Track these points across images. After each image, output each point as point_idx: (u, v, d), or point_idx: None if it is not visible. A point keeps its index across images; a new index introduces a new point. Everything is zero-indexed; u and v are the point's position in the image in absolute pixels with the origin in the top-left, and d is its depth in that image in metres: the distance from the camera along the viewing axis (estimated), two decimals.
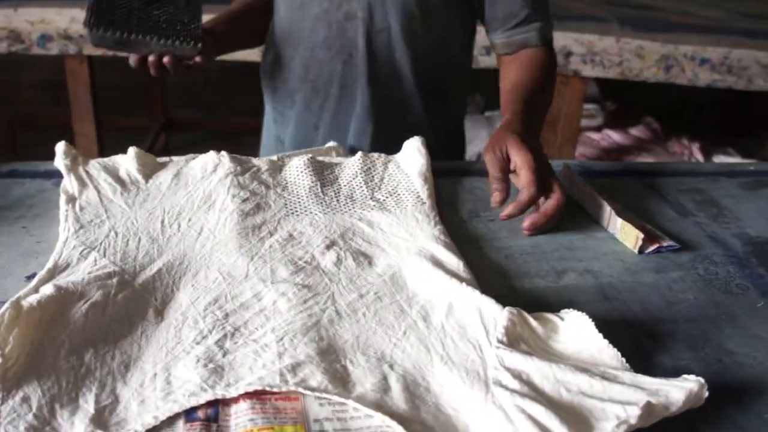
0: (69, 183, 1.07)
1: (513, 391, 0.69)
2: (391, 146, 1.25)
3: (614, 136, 3.29)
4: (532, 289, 0.92)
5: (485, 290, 0.83)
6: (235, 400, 0.68)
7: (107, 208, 1.02)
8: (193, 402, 0.66)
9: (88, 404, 0.67)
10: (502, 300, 0.81)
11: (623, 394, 0.68)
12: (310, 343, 0.75)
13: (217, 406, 0.67)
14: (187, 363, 0.72)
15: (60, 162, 1.12)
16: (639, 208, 1.15)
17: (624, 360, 0.74)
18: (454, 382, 0.71)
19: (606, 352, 0.75)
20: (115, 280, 0.84)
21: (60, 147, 1.15)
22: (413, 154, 1.16)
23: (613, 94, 3.48)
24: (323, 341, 0.76)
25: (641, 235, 1.01)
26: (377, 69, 1.46)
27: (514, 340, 0.76)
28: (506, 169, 1.11)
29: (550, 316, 0.80)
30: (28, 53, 2.76)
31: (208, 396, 0.67)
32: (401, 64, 1.46)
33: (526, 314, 0.79)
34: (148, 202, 1.05)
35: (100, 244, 0.93)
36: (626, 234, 1.03)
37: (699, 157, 3.14)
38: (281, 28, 1.50)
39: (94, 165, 1.13)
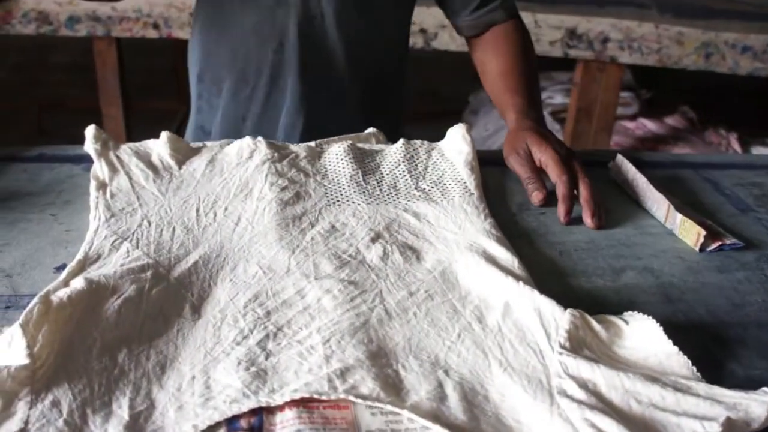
0: (99, 168, 1.03)
1: (580, 402, 0.63)
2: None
3: (649, 125, 3.22)
4: (590, 288, 0.86)
5: (540, 289, 0.78)
6: (281, 407, 0.63)
7: (139, 195, 0.97)
8: (235, 410, 0.61)
9: (122, 409, 0.62)
10: (559, 300, 0.75)
11: (699, 408, 0.63)
12: (359, 346, 0.70)
13: (261, 414, 0.62)
14: (227, 365, 0.67)
15: (90, 146, 1.07)
16: (696, 203, 1.09)
17: (695, 369, 0.69)
18: (516, 391, 0.66)
19: (675, 360, 0.70)
20: (149, 273, 0.79)
21: (90, 130, 1.11)
22: (458, 141, 1.11)
23: (648, 82, 3.41)
24: (373, 343, 0.71)
25: (703, 232, 0.95)
26: (309, 58, 1.36)
27: (577, 345, 0.71)
28: (535, 168, 1.10)
29: (614, 319, 0.75)
30: (56, 35, 2.72)
31: (251, 403, 0.62)
32: (335, 53, 1.37)
33: (588, 317, 0.73)
34: (182, 189, 1.00)
35: (133, 234, 0.88)
36: (686, 230, 0.97)
37: (737, 147, 3.07)
38: (207, 10, 1.40)
39: (125, 150, 1.08)
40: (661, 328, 0.71)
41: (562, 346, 0.70)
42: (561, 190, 1.03)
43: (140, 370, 0.67)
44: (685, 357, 0.69)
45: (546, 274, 0.87)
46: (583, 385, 0.65)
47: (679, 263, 0.92)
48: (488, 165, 1.13)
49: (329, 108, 1.41)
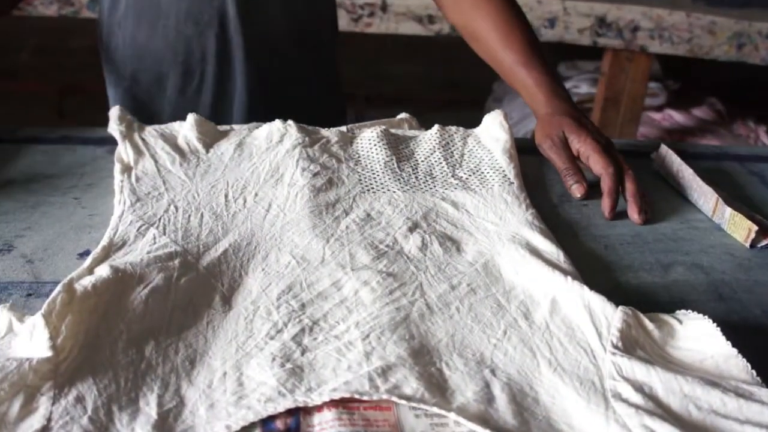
0: (124, 151, 0.99)
1: (637, 407, 0.59)
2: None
3: (676, 117, 3.15)
4: (638, 284, 0.82)
5: (586, 284, 0.73)
6: (319, 408, 0.59)
7: (165, 179, 0.94)
8: (271, 410, 0.58)
9: (149, 407, 0.58)
10: (606, 296, 0.71)
11: (764, 416, 0.59)
12: (400, 342, 0.66)
13: (298, 415, 0.58)
14: (261, 361, 0.63)
15: (114, 128, 1.04)
16: (743, 196, 1.04)
17: (754, 372, 0.64)
18: (567, 393, 0.62)
19: (733, 363, 0.65)
20: (177, 261, 0.75)
21: (114, 112, 1.07)
22: (495, 128, 1.06)
23: (675, 72, 3.35)
24: (414, 339, 0.67)
25: (754, 227, 0.90)
26: (254, 37, 1.30)
27: (629, 345, 0.66)
28: (572, 157, 1.04)
29: (667, 318, 0.70)
30: (78, 16, 2.68)
31: (288, 403, 0.58)
32: (278, 28, 1.31)
33: (641, 315, 0.69)
34: (210, 173, 0.96)
35: (159, 219, 0.84)
36: (736, 225, 0.93)
37: (766, 140, 3.01)
38: (126, 4, 1.30)
39: (151, 132, 1.04)
40: (719, 329, 0.67)
41: (615, 346, 0.65)
42: (607, 184, 0.98)
43: (168, 364, 0.63)
44: (744, 360, 0.65)
45: (591, 268, 0.83)
46: (639, 388, 0.61)
47: (729, 260, 0.88)
48: (525, 154, 1.08)
49: (280, 88, 1.35)
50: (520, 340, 0.68)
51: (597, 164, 1.00)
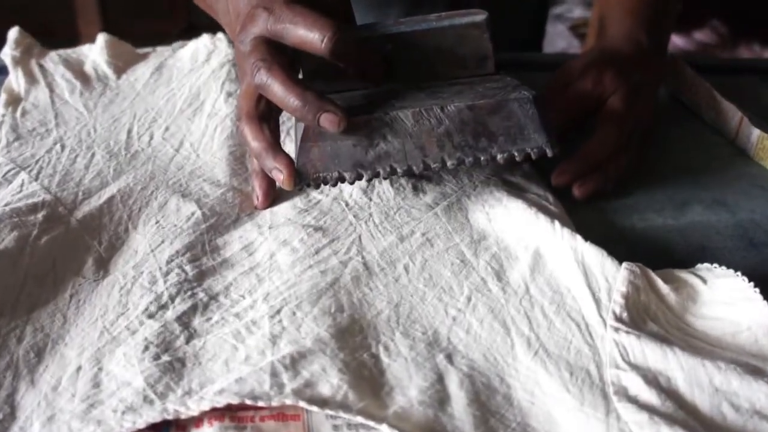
0: (15, 80, 0.82)
1: (651, 410, 0.42)
2: None
3: (677, 41, 3.01)
4: (645, 228, 0.66)
5: (580, 231, 0.56)
6: (197, 420, 0.41)
7: (59, 112, 0.76)
8: (128, 425, 0.40)
9: None
10: (606, 246, 0.55)
11: None
12: (321, 318, 0.48)
13: (168, 430, 0.41)
14: (129, 350, 0.46)
15: (7, 53, 0.86)
16: None
17: None
18: (552, 389, 0.44)
19: None
20: (41, 214, 0.58)
21: (12, 33, 0.89)
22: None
23: None
24: (343, 313, 0.49)
25: None
26: None
27: (637, 316, 0.49)
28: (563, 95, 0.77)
29: (686, 275, 0.53)
30: None
31: (153, 414, 0.41)
32: None
33: (653, 274, 0.52)
34: (116, 104, 0.78)
35: (36, 162, 0.66)
36: (765, 150, 0.75)
37: None
38: None
39: (52, 58, 0.87)
40: (758, 289, 0.50)
41: (618, 319, 0.48)
42: (588, 146, 0.71)
43: (6, 358, 0.46)
44: None
45: (587, 211, 0.67)
46: (652, 380, 0.44)
47: (760, 194, 0.72)
48: (509, 71, 0.89)
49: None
50: (489, 311, 0.50)
51: (604, 116, 0.74)
